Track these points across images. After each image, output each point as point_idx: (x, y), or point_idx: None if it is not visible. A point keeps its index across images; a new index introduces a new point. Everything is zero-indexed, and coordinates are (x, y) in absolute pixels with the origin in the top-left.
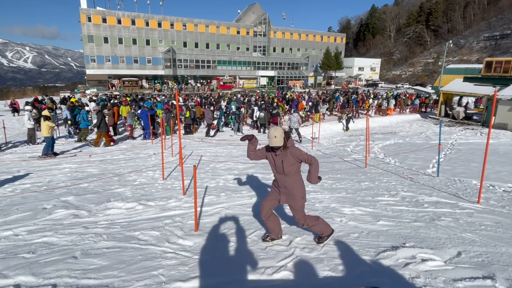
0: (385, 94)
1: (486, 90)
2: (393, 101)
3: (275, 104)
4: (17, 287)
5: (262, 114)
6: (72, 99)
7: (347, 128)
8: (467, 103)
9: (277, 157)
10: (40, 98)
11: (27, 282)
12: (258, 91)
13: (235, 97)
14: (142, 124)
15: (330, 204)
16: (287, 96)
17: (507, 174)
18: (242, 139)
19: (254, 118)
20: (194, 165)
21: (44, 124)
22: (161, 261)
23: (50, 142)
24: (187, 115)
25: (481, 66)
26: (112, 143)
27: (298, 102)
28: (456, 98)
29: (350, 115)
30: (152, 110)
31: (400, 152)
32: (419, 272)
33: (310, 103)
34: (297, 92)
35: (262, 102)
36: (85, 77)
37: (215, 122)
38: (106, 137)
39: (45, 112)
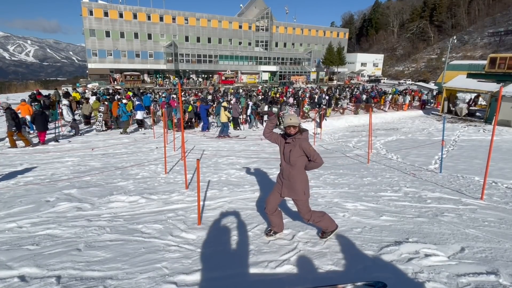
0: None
1: (490, 86)
2: (408, 97)
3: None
4: (22, 279)
5: (275, 109)
6: (74, 94)
7: (320, 126)
8: (471, 99)
9: (287, 145)
10: (47, 93)
11: (31, 273)
12: (260, 86)
13: (240, 92)
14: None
15: (333, 199)
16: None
17: (510, 171)
18: (264, 113)
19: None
20: (197, 159)
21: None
22: (164, 254)
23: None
24: (189, 109)
25: (485, 62)
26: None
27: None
28: (460, 95)
29: (322, 112)
30: (208, 104)
31: (403, 148)
32: (422, 267)
33: (327, 98)
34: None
35: (270, 98)
36: (87, 71)
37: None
38: (22, 137)
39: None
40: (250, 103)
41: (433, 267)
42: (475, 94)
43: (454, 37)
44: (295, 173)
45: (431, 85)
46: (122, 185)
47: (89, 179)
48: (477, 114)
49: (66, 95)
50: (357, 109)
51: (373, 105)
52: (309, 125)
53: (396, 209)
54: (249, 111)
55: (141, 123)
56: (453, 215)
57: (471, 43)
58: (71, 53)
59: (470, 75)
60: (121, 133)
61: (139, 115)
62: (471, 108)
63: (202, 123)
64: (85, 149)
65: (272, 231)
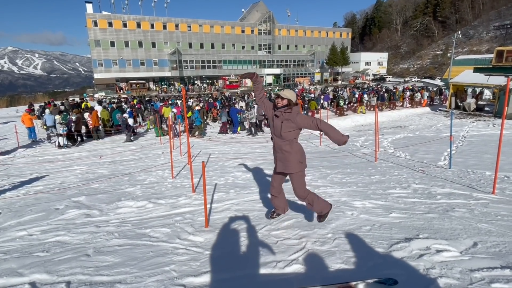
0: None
1: (498, 80)
2: (426, 93)
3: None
4: (32, 285)
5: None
6: (84, 103)
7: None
8: (479, 93)
9: (276, 118)
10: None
11: (41, 279)
12: (265, 89)
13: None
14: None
15: (341, 198)
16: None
17: None
18: (243, 76)
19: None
20: (202, 161)
21: None
22: (172, 257)
23: None
24: (189, 115)
25: (491, 56)
26: None
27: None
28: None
29: (306, 112)
30: (237, 109)
31: (410, 146)
32: (434, 263)
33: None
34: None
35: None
36: (94, 81)
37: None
38: None
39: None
40: (256, 106)
41: (445, 262)
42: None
43: (459, 32)
44: (286, 144)
45: (438, 81)
46: (130, 191)
47: (97, 186)
48: (486, 108)
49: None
50: (382, 106)
51: (396, 102)
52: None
53: (406, 206)
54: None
55: (133, 131)
56: (464, 210)
57: (476, 38)
58: (77, 64)
59: (477, 70)
60: (191, 135)
61: (131, 122)
62: (479, 103)
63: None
64: (93, 157)
65: (275, 213)
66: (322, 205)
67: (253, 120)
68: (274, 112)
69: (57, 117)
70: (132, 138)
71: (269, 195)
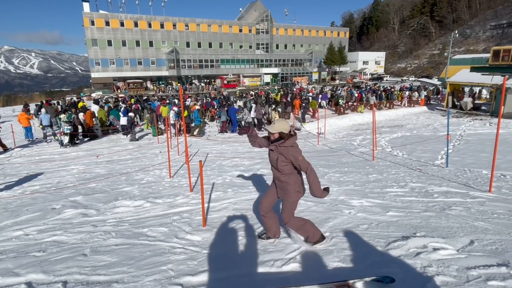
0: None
1: (495, 79)
2: (424, 92)
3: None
4: (29, 285)
5: (279, 110)
6: (80, 104)
7: (304, 121)
8: (475, 92)
9: (271, 152)
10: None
11: (38, 279)
12: (262, 89)
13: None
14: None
15: (338, 197)
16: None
17: None
18: (240, 133)
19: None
20: (200, 161)
21: None
22: (170, 256)
23: None
24: (185, 114)
25: (488, 55)
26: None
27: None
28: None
29: (303, 110)
30: (236, 108)
31: (408, 145)
32: (431, 261)
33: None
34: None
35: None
36: (91, 81)
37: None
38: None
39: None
40: (254, 106)
41: (442, 260)
42: (479, 88)
43: (456, 32)
44: (284, 176)
45: (435, 81)
46: (127, 190)
47: (94, 185)
48: (483, 107)
49: (73, 105)
50: (380, 105)
51: (394, 101)
52: (312, 125)
53: (403, 205)
54: (252, 113)
55: (127, 130)
56: (461, 209)
57: (473, 37)
58: (74, 63)
59: (473, 69)
60: (190, 135)
61: (123, 121)
62: (476, 102)
63: (232, 125)
64: (90, 156)
65: (265, 235)
66: (309, 232)
67: (249, 120)
68: (269, 146)
69: (62, 116)
70: (137, 137)
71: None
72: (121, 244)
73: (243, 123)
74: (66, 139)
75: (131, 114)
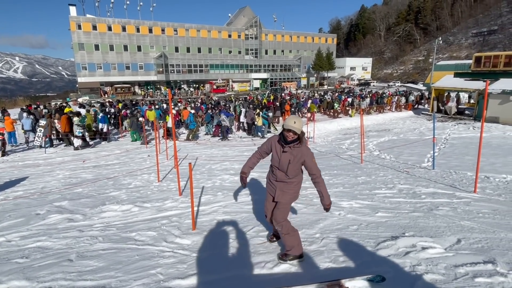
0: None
1: (477, 84)
2: (412, 97)
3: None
4: None
5: (270, 114)
6: (67, 109)
7: (275, 128)
8: (458, 97)
9: (284, 154)
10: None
11: (20, 286)
12: (252, 93)
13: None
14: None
15: None
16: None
17: (501, 166)
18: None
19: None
20: (189, 163)
21: None
22: (158, 260)
23: None
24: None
25: (470, 61)
26: None
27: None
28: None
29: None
30: (228, 113)
31: (395, 148)
32: (420, 259)
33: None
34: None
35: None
36: (77, 85)
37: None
38: None
39: None
40: (243, 110)
41: (431, 259)
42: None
43: (440, 39)
44: (290, 178)
45: (420, 86)
46: (115, 195)
47: (80, 190)
48: (466, 112)
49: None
50: (370, 110)
51: (384, 105)
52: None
53: (391, 206)
54: (242, 118)
55: (105, 136)
56: (448, 209)
57: (456, 44)
58: (60, 68)
59: (457, 75)
60: (186, 139)
61: (103, 127)
62: (459, 106)
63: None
64: (76, 161)
65: (274, 238)
66: (294, 243)
67: (226, 124)
68: (283, 149)
69: (75, 119)
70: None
71: (257, 198)
72: (108, 249)
73: (233, 127)
74: (77, 142)
75: (140, 119)
